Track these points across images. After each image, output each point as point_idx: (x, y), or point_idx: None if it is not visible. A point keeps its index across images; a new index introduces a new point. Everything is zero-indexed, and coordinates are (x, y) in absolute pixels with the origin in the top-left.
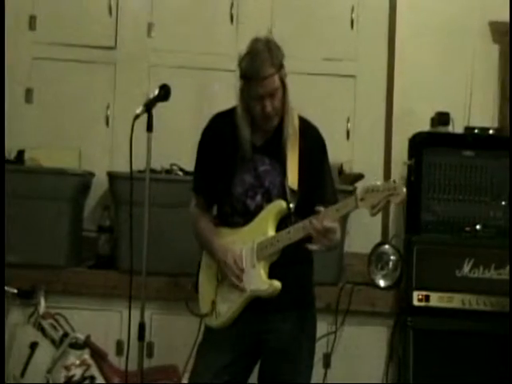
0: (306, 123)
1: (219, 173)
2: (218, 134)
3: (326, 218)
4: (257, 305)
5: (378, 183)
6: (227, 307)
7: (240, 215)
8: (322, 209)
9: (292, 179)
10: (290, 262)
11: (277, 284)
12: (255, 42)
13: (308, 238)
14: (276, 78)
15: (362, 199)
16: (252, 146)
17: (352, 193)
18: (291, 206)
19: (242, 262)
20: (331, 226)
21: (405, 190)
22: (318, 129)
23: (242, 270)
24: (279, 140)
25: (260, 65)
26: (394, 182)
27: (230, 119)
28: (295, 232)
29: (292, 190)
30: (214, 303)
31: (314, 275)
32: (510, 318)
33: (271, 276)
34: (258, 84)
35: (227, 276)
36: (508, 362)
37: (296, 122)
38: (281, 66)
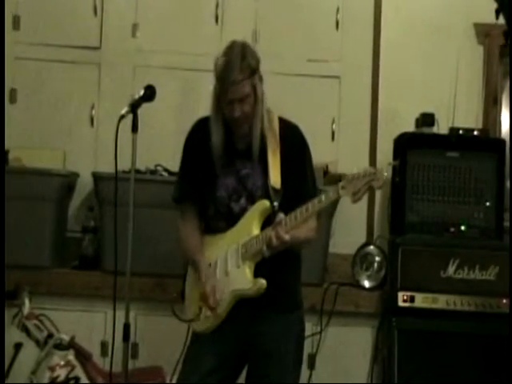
0: (285, 123)
1: (202, 178)
2: (200, 139)
3: (292, 222)
4: (244, 308)
5: (359, 170)
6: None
7: (224, 219)
8: (282, 216)
9: (274, 179)
10: (277, 266)
11: (261, 282)
12: (231, 46)
13: None
14: (246, 84)
15: (343, 188)
16: (233, 150)
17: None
18: (275, 204)
19: (218, 293)
20: (284, 240)
21: (386, 173)
22: (298, 127)
23: (216, 302)
24: (261, 143)
25: (230, 70)
26: (375, 167)
27: (210, 124)
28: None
29: (275, 189)
30: (200, 308)
31: (301, 277)
32: (509, 319)
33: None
34: (228, 89)
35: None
36: (507, 362)
37: (276, 124)
38: (253, 72)
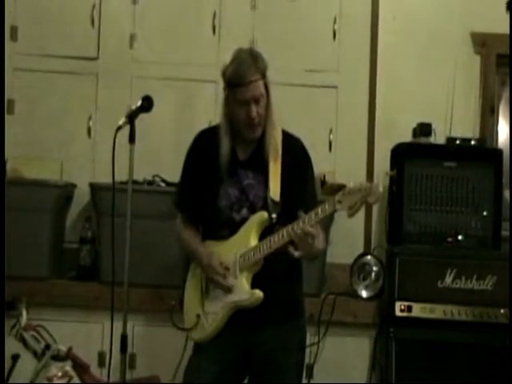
0: (288, 137)
1: (204, 189)
2: (202, 150)
3: (307, 223)
4: (245, 317)
5: (355, 185)
6: (210, 320)
7: (227, 228)
8: (302, 213)
9: (274, 190)
10: (277, 274)
11: (258, 293)
12: (239, 51)
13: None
14: (261, 84)
15: (339, 201)
16: (236, 160)
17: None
18: (273, 216)
19: (227, 264)
20: (310, 231)
21: (381, 189)
22: (302, 141)
23: (228, 269)
24: (262, 154)
25: (245, 70)
26: (371, 182)
27: (213, 135)
28: (275, 239)
29: (274, 201)
30: (198, 316)
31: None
32: (509, 329)
33: (259, 288)
34: (244, 89)
35: (213, 280)
36: (505, 373)
37: (279, 137)
38: (265, 74)
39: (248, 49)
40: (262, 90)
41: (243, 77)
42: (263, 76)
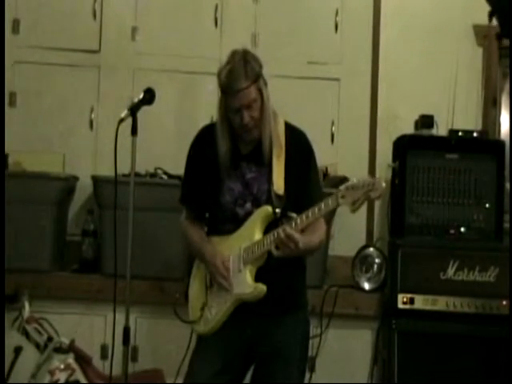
0: (291, 129)
1: (207, 183)
2: (205, 145)
3: (296, 225)
4: (248, 310)
5: (358, 180)
6: (214, 313)
7: (230, 223)
8: (294, 215)
9: (277, 184)
10: (281, 267)
11: (261, 287)
12: (232, 55)
13: None
14: (252, 90)
15: (342, 197)
16: (238, 154)
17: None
18: (277, 210)
19: (229, 265)
20: (291, 234)
21: (384, 184)
22: (305, 133)
23: (229, 273)
24: (264, 148)
25: (235, 78)
26: (374, 177)
27: (216, 131)
28: (275, 236)
29: (277, 195)
30: (202, 310)
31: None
32: (510, 320)
33: (263, 280)
34: (234, 97)
35: (215, 279)
36: (507, 364)
37: (282, 128)
38: (257, 78)
39: (241, 52)
40: (254, 95)
41: (232, 85)
42: (255, 81)
